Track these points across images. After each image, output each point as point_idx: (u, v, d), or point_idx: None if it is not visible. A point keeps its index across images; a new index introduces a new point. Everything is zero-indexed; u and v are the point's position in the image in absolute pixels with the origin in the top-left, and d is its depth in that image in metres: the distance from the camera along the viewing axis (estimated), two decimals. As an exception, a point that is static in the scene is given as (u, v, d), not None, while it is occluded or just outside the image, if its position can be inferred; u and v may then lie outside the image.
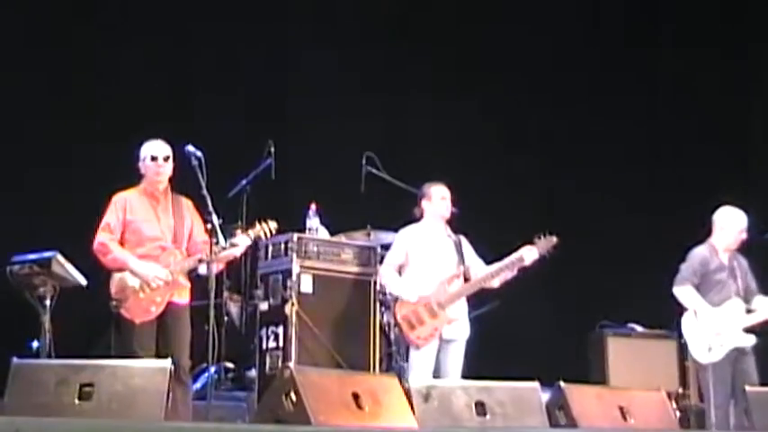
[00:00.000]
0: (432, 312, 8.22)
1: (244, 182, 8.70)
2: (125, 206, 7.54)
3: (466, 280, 8.33)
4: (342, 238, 9.08)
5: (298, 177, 9.40)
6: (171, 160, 7.57)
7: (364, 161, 9.08)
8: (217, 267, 7.56)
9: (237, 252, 7.70)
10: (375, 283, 8.86)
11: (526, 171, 10.89)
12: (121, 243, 7.51)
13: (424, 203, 8.52)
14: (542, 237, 8.30)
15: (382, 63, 10.73)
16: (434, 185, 8.51)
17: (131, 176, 7.67)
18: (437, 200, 8.49)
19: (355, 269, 8.88)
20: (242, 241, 7.63)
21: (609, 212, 10.76)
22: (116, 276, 7.44)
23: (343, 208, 9.17)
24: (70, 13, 9.74)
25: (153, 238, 7.51)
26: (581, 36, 11.31)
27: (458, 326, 8.31)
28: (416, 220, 8.55)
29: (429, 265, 8.36)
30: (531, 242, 8.30)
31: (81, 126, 9.61)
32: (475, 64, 11.04)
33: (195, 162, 7.50)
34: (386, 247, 9.06)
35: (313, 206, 8.87)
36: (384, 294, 8.90)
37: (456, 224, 8.53)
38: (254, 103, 10.23)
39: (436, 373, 8.20)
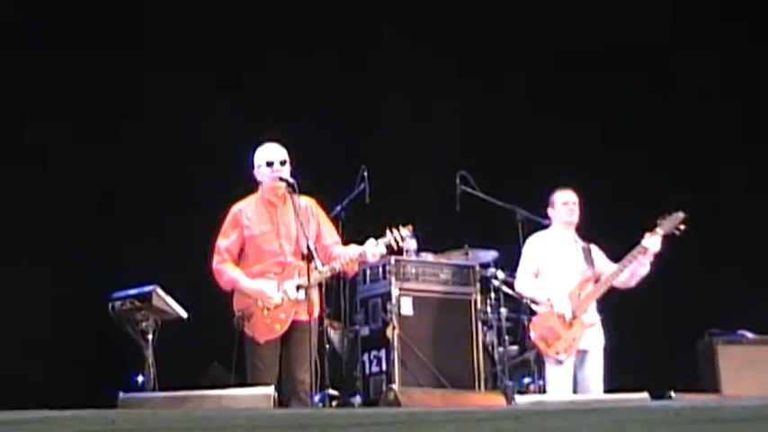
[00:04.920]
0: (567, 324, 8.12)
1: (339, 207, 8.58)
2: (242, 221, 7.44)
3: (597, 282, 8.26)
4: (439, 259, 9.03)
5: (392, 200, 9.26)
6: (288, 164, 7.45)
7: (458, 180, 9.02)
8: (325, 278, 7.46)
9: (371, 260, 7.63)
10: (475, 302, 8.82)
11: (630, 171, 10.67)
12: (240, 258, 7.46)
13: (549, 211, 8.49)
14: (667, 215, 8.20)
15: (478, 81, 10.67)
16: (558, 191, 8.46)
17: (225, 204, 7.67)
18: (559, 205, 8.43)
19: (455, 289, 8.86)
20: (371, 249, 7.46)
21: (714, 217, 10.49)
22: (237, 293, 7.41)
23: (439, 228, 9.11)
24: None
25: (271, 253, 7.41)
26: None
27: (593, 334, 8.19)
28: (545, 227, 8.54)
29: (557, 272, 8.28)
30: (653, 227, 8.18)
31: (175, 152, 9.71)
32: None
33: (289, 189, 7.42)
34: (484, 266, 9.07)
35: (409, 228, 8.61)
36: (485, 314, 8.86)
37: (583, 231, 8.47)
38: (346, 127, 10.21)
39: (575, 388, 8.12)
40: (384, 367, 8.51)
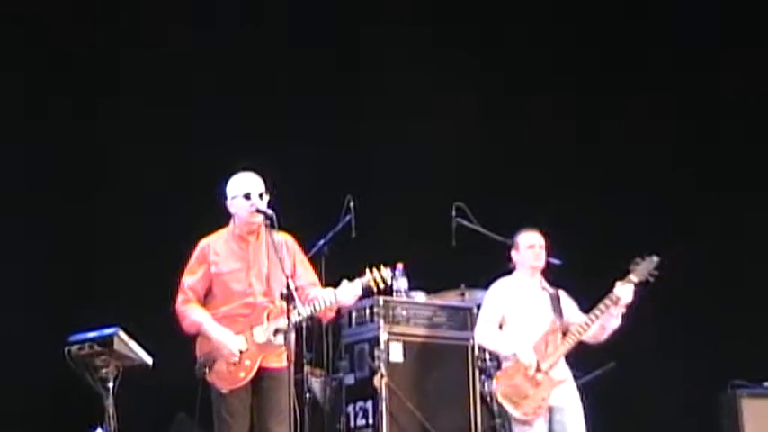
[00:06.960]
0: (534, 382, 7.67)
1: (321, 242, 8.32)
2: (209, 256, 7.11)
3: (566, 336, 7.85)
4: (433, 300, 8.81)
5: (381, 234, 9.03)
6: (266, 196, 7.06)
7: (454, 212, 8.75)
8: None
9: (346, 303, 7.20)
10: (472, 348, 8.58)
11: (635, 214, 10.38)
12: (207, 298, 7.12)
13: (513, 254, 8.09)
14: (640, 260, 7.79)
15: (475, 107, 10.44)
16: (523, 233, 8.07)
17: (194, 239, 7.31)
18: (524, 249, 8.01)
19: (449, 333, 8.62)
20: (345, 293, 7.00)
21: (732, 264, 10.23)
22: (200, 337, 7.10)
23: (432, 266, 8.86)
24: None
25: (241, 293, 7.05)
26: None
27: (565, 389, 7.73)
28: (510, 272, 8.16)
29: (523, 323, 7.85)
30: (625, 274, 7.76)
31: (140, 187, 9.51)
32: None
33: (267, 222, 7.03)
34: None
35: (400, 266, 8.56)
36: (484, 361, 8.58)
37: (555, 275, 8.09)
38: (331, 155, 10.00)
39: None
40: (371, 420, 8.30)
